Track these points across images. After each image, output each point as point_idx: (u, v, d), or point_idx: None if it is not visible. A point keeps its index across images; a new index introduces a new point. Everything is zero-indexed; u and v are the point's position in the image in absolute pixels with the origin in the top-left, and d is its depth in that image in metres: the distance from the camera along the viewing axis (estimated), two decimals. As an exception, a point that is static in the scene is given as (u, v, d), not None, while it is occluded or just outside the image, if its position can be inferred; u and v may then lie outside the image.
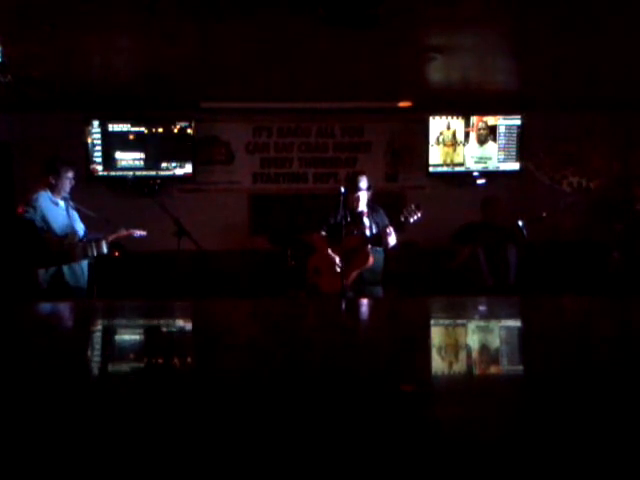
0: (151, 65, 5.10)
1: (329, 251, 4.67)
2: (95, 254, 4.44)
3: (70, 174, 4.58)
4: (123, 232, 4.63)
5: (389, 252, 4.79)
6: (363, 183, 4.76)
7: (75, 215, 4.62)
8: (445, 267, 5.90)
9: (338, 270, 4.57)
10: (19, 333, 1.89)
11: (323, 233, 4.76)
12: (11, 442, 0.82)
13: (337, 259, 4.62)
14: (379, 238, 4.63)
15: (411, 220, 4.58)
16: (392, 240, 4.62)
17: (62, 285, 4.38)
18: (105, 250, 4.47)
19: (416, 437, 0.83)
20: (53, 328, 2.02)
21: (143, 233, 4.71)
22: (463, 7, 3.87)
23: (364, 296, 4.42)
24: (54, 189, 4.51)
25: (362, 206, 4.77)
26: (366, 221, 4.73)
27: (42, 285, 4.34)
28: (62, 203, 4.55)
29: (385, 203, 4.81)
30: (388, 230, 4.59)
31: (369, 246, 4.63)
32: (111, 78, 5.34)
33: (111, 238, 4.55)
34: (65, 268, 4.41)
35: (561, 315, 2.28)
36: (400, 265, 6.33)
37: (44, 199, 4.45)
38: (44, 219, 4.39)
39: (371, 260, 4.60)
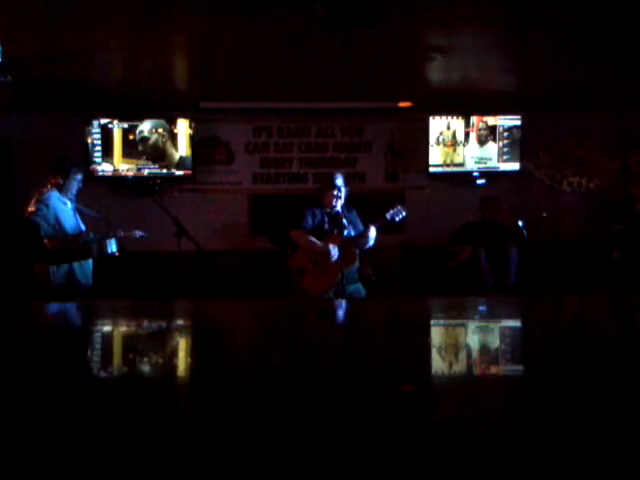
0: (151, 65, 5.10)
1: (329, 246, 4.48)
2: (110, 252, 4.40)
3: (79, 176, 4.53)
4: (134, 233, 4.63)
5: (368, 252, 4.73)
6: (340, 180, 4.65)
7: (79, 216, 4.59)
8: (445, 267, 5.90)
9: (331, 262, 4.44)
10: (31, 333, 1.89)
11: (307, 234, 4.58)
12: (14, 442, 0.82)
13: (334, 250, 4.43)
14: (357, 239, 4.56)
15: (397, 219, 4.68)
16: (371, 242, 4.56)
17: (73, 284, 4.35)
18: (116, 248, 4.44)
19: (415, 437, 0.83)
20: (58, 328, 2.02)
21: (142, 233, 4.69)
22: (463, 7, 3.87)
23: (348, 296, 4.31)
24: (61, 189, 4.44)
25: (339, 205, 4.63)
26: (344, 222, 4.55)
27: (54, 284, 4.29)
28: (69, 203, 4.50)
29: (385, 203, 4.79)
30: (370, 231, 4.52)
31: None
32: (111, 78, 5.35)
33: (121, 236, 4.52)
34: (77, 267, 4.38)
35: (561, 315, 2.28)
36: (400, 265, 6.34)
37: (55, 198, 4.39)
38: (56, 218, 4.33)
39: (357, 260, 4.53)
